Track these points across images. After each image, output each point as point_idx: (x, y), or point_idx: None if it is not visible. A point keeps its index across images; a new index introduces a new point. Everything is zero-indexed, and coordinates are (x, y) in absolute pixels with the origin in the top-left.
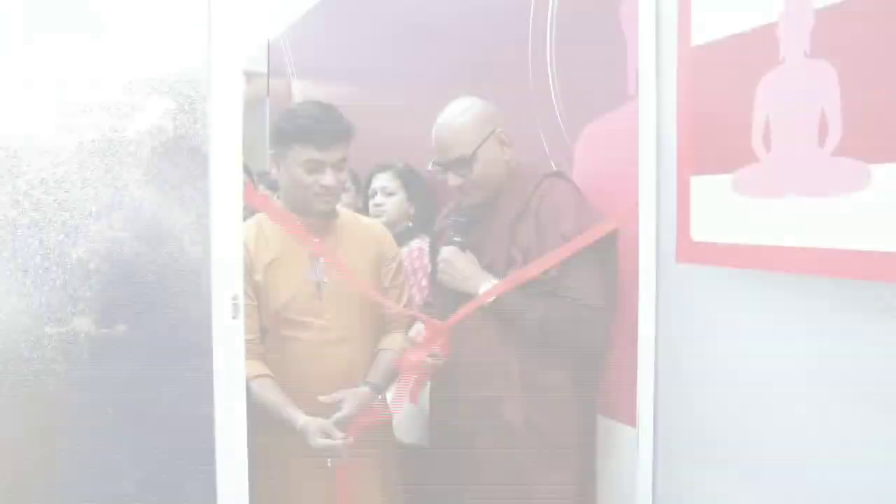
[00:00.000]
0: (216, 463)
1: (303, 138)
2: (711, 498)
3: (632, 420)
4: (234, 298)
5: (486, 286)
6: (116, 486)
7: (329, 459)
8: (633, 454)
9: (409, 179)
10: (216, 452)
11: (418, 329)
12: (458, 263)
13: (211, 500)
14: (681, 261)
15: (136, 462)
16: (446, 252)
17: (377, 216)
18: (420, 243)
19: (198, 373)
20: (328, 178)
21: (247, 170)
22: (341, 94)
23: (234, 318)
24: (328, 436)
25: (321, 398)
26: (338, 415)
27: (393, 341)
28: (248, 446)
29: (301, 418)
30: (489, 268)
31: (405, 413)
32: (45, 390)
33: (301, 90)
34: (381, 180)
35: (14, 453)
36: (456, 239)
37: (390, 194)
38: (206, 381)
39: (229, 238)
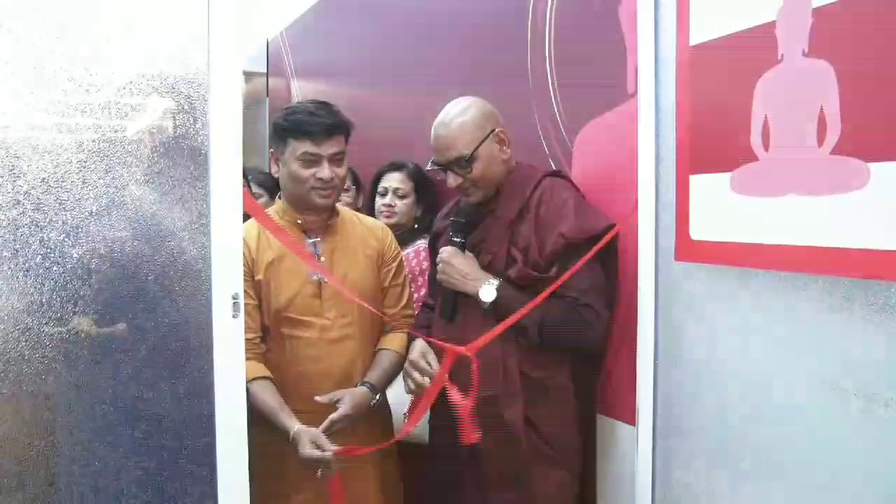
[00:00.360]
0: (216, 463)
1: (299, 132)
2: (711, 497)
3: (631, 419)
4: (234, 298)
5: (486, 287)
6: (116, 486)
7: (318, 471)
8: (632, 453)
9: (420, 181)
10: (216, 452)
11: (423, 347)
12: (458, 264)
13: (211, 500)
14: (680, 259)
15: (136, 462)
16: (445, 252)
17: (387, 217)
18: (426, 244)
19: (198, 373)
20: (325, 171)
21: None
22: (340, 94)
23: (234, 317)
24: (319, 447)
25: (318, 398)
26: (334, 415)
27: (393, 341)
28: (248, 445)
29: (295, 426)
30: (489, 268)
31: (404, 413)
32: (45, 390)
33: (300, 90)
34: (394, 181)
35: (14, 453)
36: (455, 239)
37: (403, 196)
38: (206, 381)
39: (229, 238)
